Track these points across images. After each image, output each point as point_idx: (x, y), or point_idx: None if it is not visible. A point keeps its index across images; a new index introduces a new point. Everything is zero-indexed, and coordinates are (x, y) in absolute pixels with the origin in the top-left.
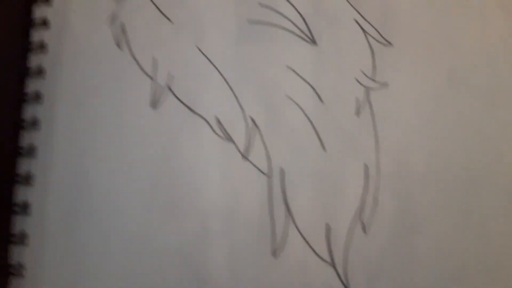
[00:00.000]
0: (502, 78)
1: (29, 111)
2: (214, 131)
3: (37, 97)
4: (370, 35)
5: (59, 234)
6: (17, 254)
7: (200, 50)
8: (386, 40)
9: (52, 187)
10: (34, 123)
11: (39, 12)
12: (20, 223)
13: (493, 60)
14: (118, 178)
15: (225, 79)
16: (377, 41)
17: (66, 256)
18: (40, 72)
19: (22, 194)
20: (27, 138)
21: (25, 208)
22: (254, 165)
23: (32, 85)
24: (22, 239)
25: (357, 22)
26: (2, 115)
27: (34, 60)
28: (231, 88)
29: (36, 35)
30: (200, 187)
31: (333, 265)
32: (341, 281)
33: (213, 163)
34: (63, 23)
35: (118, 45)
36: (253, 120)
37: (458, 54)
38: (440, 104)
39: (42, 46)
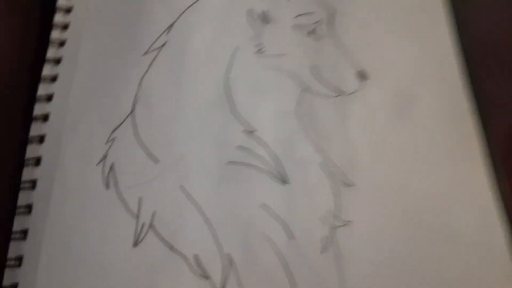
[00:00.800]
0: (450, 219)
1: (12, 250)
2: (191, 267)
3: (23, 233)
4: (334, 176)
5: None
6: None
7: (184, 189)
8: (349, 181)
9: None
10: (18, 259)
11: (31, 150)
12: None
13: (441, 203)
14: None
15: (205, 218)
16: (341, 181)
17: None
18: (28, 207)
19: None
20: (8, 276)
21: None
22: None
23: (18, 223)
24: None
25: (321, 164)
26: None
27: (22, 197)
28: (210, 228)
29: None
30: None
31: None
32: None
33: None
34: (54, 161)
35: (107, 185)
36: (230, 257)
37: (410, 197)
38: (398, 242)
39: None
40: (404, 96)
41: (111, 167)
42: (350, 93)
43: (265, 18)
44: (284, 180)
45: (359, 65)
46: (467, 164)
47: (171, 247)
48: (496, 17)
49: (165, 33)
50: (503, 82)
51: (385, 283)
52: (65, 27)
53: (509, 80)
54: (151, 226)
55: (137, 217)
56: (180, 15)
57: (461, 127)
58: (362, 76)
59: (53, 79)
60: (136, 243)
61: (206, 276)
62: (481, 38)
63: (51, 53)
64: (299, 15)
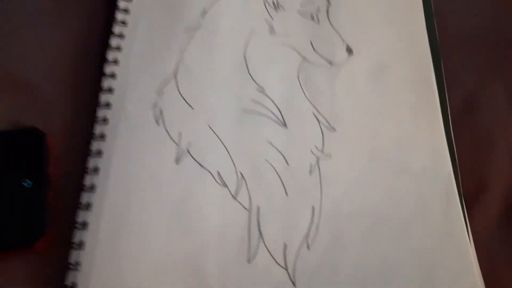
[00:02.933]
0: (409, 157)
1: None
2: (215, 180)
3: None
4: (322, 123)
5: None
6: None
7: (210, 127)
8: (332, 127)
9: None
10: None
11: (104, 100)
12: None
13: (403, 145)
14: (150, 209)
15: (225, 147)
16: (326, 127)
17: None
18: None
19: None
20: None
21: None
22: (240, 204)
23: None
24: None
25: (314, 114)
26: None
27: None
28: (229, 154)
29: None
30: (203, 215)
31: (286, 269)
32: (291, 280)
33: (213, 201)
34: (120, 106)
35: (157, 122)
36: (241, 174)
37: (378, 140)
38: (364, 172)
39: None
40: (380, 67)
41: (161, 111)
42: (339, 63)
43: (276, 6)
44: (284, 124)
45: (347, 43)
46: (427, 117)
47: (201, 165)
48: (461, 9)
49: (201, 17)
50: (458, 56)
51: (353, 197)
52: (126, 10)
53: (461, 58)
54: (188, 151)
55: (178, 144)
56: (211, 5)
57: (425, 91)
58: (349, 51)
59: (118, 48)
60: (177, 162)
61: (225, 185)
62: (445, 30)
63: (116, 29)
64: (304, 3)
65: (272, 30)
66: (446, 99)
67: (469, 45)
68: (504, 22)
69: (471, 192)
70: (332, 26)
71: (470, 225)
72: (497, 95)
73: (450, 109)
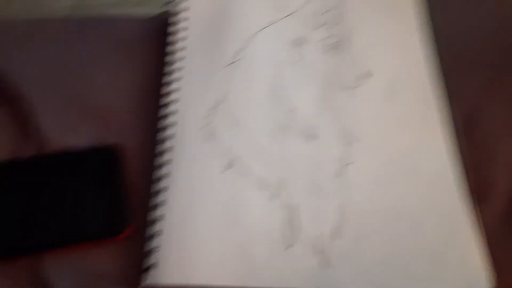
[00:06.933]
0: (417, 163)
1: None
2: (257, 183)
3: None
4: (346, 136)
5: None
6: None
7: (253, 140)
8: (354, 139)
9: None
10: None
11: (165, 114)
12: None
13: (413, 152)
14: (207, 209)
15: (267, 158)
16: (349, 139)
17: None
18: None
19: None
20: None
21: None
22: (280, 203)
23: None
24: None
25: (339, 129)
26: None
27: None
28: (270, 163)
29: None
30: (250, 213)
31: (320, 254)
32: (326, 263)
33: (257, 201)
34: (179, 124)
35: (209, 137)
36: (281, 179)
37: (393, 149)
38: (383, 176)
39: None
40: (393, 88)
41: (212, 128)
42: (357, 86)
43: (302, 40)
44: (314, 138)
45: (364, 68)
46: (433, 129)
47: (246, 171)
48: (458, 32)
49: (240, 52)
50: (458, 77)
51: (373, 197)
52: (182, 49)
53: (462, 75)
54: (235, 160)
55: (227, 155)
56: (248, 42)
57: (430, 107)
58: (365, 76)
59: (176, 79)
60: (226, 169)
61: (266, 188)
62: (445, 50)
63: (174, 65)
64: (325, 37)
65: (299, 60)
66: (449, 112)
67: (469, 63)
68: (500, 44)
69: (477, 193)
70: (349, 55)
71: (477, 220)
72: (496, 108)
73: (454, 122)
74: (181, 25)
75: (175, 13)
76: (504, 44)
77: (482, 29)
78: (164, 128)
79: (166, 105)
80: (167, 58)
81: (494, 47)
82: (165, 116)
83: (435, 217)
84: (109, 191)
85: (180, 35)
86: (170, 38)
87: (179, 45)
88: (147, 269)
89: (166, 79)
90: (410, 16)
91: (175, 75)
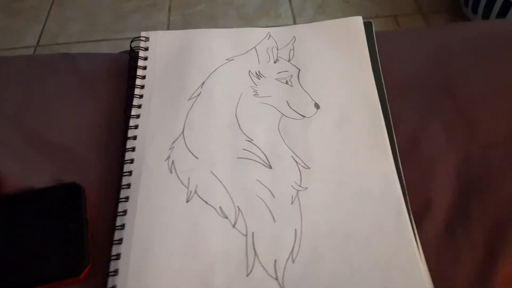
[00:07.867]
0: (367, 184)
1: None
2: (218, 213)
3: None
4: (299, 163)
5: None
6: None
7: (212, 172)
8: (307, 166)
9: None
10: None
11: (128, 155)
12: None
13: (362, 176)
14: (168, 239)
15: (225, 187)
16: (302, 166)
17: None
18: (128, 185)
19: None
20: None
21: None
22: (239, 231)
23: (123, 192)
24: None
25: (292, 157)
26: None
27: (125, 181)
28: (228, 192)
29: (126, 167)
30: (210, 241)
31: (277, 279)
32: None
33: (216, 230)
34: (141, 159)
35: (170, 171)
36: (238, 207)
37: (343, 173)
38: (334, 199)
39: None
40: (342, 117)
41: (173, 162)
42: (310, 116)
43: (259, 74)
44: (270, 166)
45: (315, 100)
46: (379, 153)
47: (206, 202)
48: (402, 64)
49: (200, 87)
50: (401, 105)
51: (326, 220)
52: (142, 86)
53: (405, 103)
54: (195, 192)
55: (187, 187)
56: (208, 77)
57: (377, 132)
58: (317, 106)
59: (137, 116)
60: (187, 201)
61: (226, 217)
62: (390, 81)
63: (135, 101)
64: (280, 72)
65: (256, 93)
66: (393, 136)
67: (411, 91)
68: (438, 72)
69: (419, 209)
70: (302, 88)
71: (419, 235)
72: (436, 131)
73: (397, 144)
74: (143, 62)
75: (138, 51)
76: (441, 74)
77: (422, 61)
78: (126, 162)
79: (128, 139)
80: (129, 94)
81: (430, 77)
82: (127, 150)
83: (381, 235)
84: (70, 230)
85: (142, 72)
86: (132, 75)
87: (141, 81)
88: None
89: (128, 114)
90: (359, 50)
91: (137, 111)
